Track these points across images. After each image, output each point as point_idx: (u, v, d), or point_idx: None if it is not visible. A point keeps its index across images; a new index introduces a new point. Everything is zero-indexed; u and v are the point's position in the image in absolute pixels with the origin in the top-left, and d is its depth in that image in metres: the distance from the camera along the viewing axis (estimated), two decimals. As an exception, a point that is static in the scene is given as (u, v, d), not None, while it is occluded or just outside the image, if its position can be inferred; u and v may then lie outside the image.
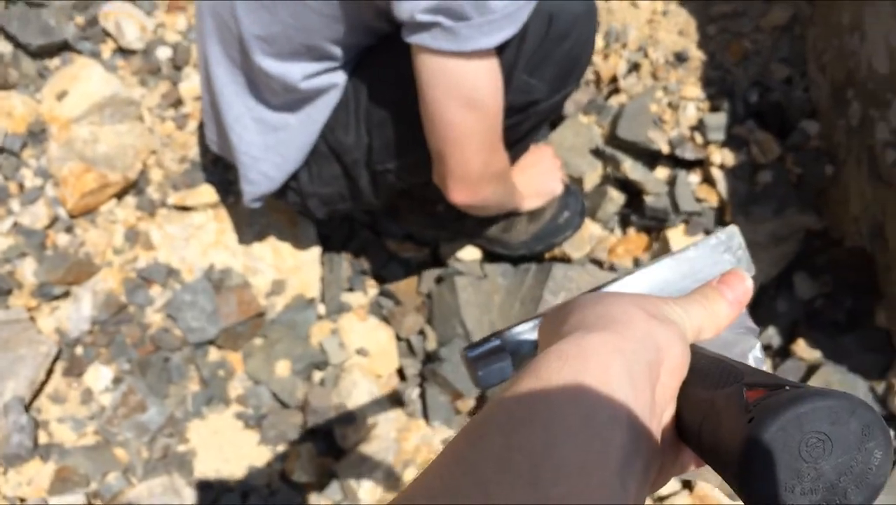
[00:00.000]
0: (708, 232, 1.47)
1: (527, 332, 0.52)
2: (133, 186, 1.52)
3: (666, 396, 0.38)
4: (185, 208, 1.51)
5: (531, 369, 0.35)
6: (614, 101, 1.65)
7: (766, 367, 0.44)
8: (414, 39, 0.98)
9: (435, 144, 1.09)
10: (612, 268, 1.48)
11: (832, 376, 1.30)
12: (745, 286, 0.45)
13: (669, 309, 0.41)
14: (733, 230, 0.53)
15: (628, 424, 0.33)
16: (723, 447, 0.34)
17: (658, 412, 0.37)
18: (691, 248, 0.52)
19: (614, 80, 1.69)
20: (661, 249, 1.50)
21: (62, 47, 1.66)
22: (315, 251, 1.50)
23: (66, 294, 1.37)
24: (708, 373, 0.38)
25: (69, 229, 1.44)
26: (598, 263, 1.52)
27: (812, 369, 1.33)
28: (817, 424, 0.32)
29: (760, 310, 1.44)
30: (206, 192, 1.52)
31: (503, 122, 1.16)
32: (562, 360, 0.35)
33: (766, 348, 1.40)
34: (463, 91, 1.00)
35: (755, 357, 0.44)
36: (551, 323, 0.43)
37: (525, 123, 1.19)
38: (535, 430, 0.32)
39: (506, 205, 1.30)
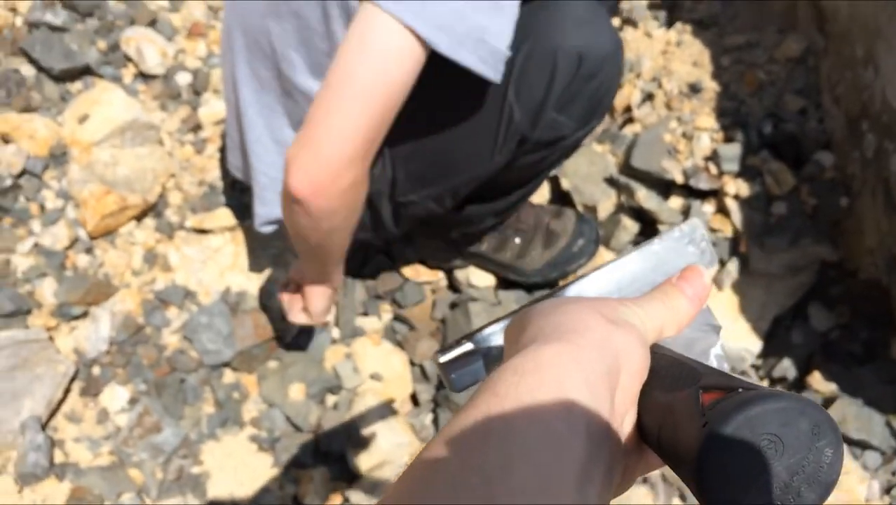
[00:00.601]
0: (722, 262, 1.47)
1: (497, 333, 0.52)
2: (152, 209, 1.54)
3: (626, 400, 0.38)
4: (202, 231, 1.53)
5: (487, 386, 0.35)
6: (628, 131, 1.66)
7: (727, 365, 0.45)
8: None
9: (318, 99, 0.96)
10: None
11: (848, 409, 1.29)
12: (703, 281, 0.45)
13: (628, 311, 0.41)
14: (695, 222, 0.54)
15: (586, 435, 0.33)
16: (680, 451, 0.35)
17: (618, 418, 0.37)
18: (656, 241, 0.53)
19: (628, 109, 1.70)
20: (675, 278, 1.50)
21: (84, 71, 1.69)
22: (330, 275, 1.51)
23: (84, 314, 1.39)
24: (667, 375, 0.39)
25: (89, 250, 1.45)
26: (612, 291, 1.52)
27: (828, 402, 1.32)
28: (768, 427, 0.32)
29: (775, 341, 1.43)
30: (224, 216, 1.53)
31: (530, 156, 1.17)
32: (517, 374, 0.35)
33: (782, 381, 1.40)
34: (383, 54, 0.93)
35: (716, 354, 0.45)
36: (513, 332, 0.43)
37: (550, 157, 1.20)
38: (491, 450, 0.31)
39: (327, 252, 1.13)
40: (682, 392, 0.36)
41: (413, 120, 1.16)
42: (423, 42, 0.92)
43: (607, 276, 0.53)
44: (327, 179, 0.95)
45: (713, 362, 0.45)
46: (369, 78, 0.93)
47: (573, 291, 0.53)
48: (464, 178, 1.18)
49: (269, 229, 1.30)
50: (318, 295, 1.23)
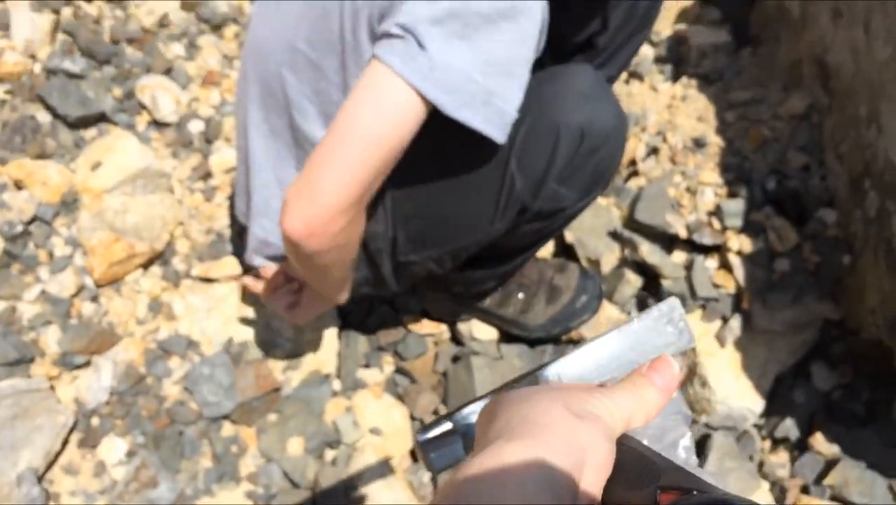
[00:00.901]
0: (725, 319, 1.47)
1: (476, 412, 0.53)
2: (159, 257, 1.56)
3: (590, 494, 0.38)
4: (208, 280, 1.54)
5: (451, 486, 0.36)
6: (633, 184, 1.67)
7: (695, 458, 0.46)
8: (374, 48, 0.98)
9: (320, 146, 1.00)
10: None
11: (850, 472, 1.27)
12: (671, 372, 0.46)
13: (596, 402, 0.41)
14: (674, 302, 0.55)
15: None
16: None
17: None
18: (635, 321, 0.54)
19: (633, 163, 1.71)
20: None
21: (99, 118, 1.73)
22: (333, 326, 1.52)
23: (87, 364, 1.40)
24: (630, 470, 0.39)
25: (94, 298, 1.47)
26: (615, 346, 1.51)
27: (830, 464, 1.30)
28: None
29: (778, 400, 1.42)
30: (230, 265, 1.55)
31: (530, 225, 1.18)
32: (479, 477, 0.36)
33: (784, 441, 1.39)
34: (388, 111, 0.96)
35: (685, 446, 0.45)
36: (483, 421, 0.44)
37: (551, 226, 1.21)
38: None
39: (324, 279, 1.17)
40: (641, 491, 0.37)
41: (416, 181, 1.18)
42: (430, 103, 0.95)
43: (587, 355, 0.54)
44: (321, 224, 0.99)
45: (681, 454, 0.45)
46: (372, 133, 0.96)
47: (553, 370, 0.54)
48: (464, 242, 1.19)
49: (259, 262, 1.33)
50: (316, 307, 1.29)
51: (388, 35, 0.96)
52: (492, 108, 0.97)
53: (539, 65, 1.31)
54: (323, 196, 0.98)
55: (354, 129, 0.97)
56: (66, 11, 1.87)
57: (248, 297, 1.52)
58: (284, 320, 1.43)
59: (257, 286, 1.32)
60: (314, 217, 0.99)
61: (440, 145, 1.11)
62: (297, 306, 1.30)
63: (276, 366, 1.46)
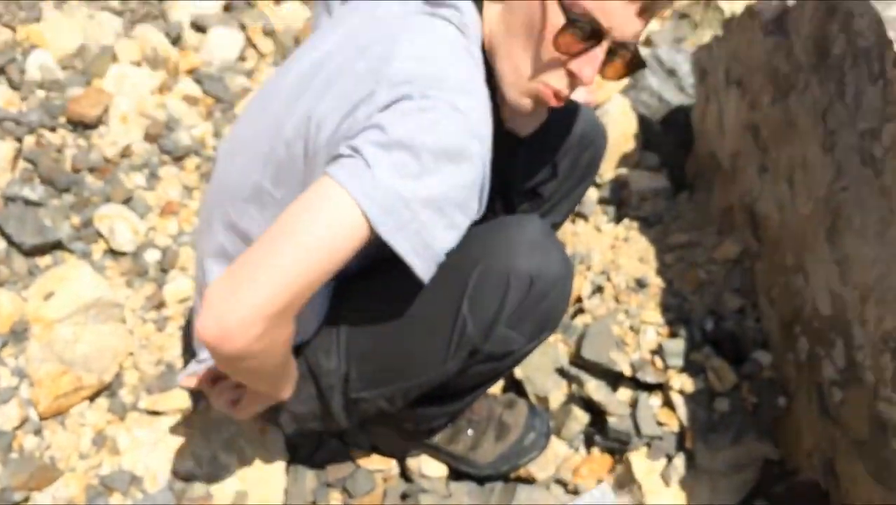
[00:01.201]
0: (669, 457, 1.50)
1: None
2: (107, 388, 1.55)
3: None
4: (155, 413, 1.53)
5: None
6: (579, 321, 1.73)
7: None
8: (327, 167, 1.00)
9: (254, 246, 0.97)
10: (575, 490, 1.49)
11: None
12: None
13: None
14: (605, 488, 0.59)
15: None
16: None
17: None
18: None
19: (579, 300, 1.78)
20: (623, 473, 1.52)
21: (55, 246, 1.74)
22: (281, 461, 1.50)
23: (25, 500, 1.36)
24: None
25: (38, 432, 1.44)
26: (563, 484, 1.53)
27: None
28: None
29: (723, 541, 1.44)
30: (179, 397, 1.54)
31: (480, 366, 1.22)
32: None
33: (729, 583, 1.40)
34: (329, 223, 0.95)
35: None
36: None
37: (500, 367, 1.25)
38: None
39: (256, 384, 1.16)
40: None
41: (372, 320, 1.21)
42: (369, 221, 0.96)
43: None
44: (239, 328, 0.93)
45: None
46: (310, 241, 0.95)
47: None
48: (416, 381, 1.22)
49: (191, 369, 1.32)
50: (258, 401, 1.25)
51: (339, 155, 0.99)
52: (420, 241, 0.99)
53: (492, 213, 1.39)
54: (246, 298, 0.92)
55: (291, 233, 0.95)
56: (29, 140, 1.91)
57: (195, 429, 1.51)
58: (231, 426, 1.39)
59: (194, 383, 1.28)
60: (232, 319, 0.92)
61: (394, 285, 1.16)
62: (240, 402, 1.27)
63: (221, 503, 1.43)
